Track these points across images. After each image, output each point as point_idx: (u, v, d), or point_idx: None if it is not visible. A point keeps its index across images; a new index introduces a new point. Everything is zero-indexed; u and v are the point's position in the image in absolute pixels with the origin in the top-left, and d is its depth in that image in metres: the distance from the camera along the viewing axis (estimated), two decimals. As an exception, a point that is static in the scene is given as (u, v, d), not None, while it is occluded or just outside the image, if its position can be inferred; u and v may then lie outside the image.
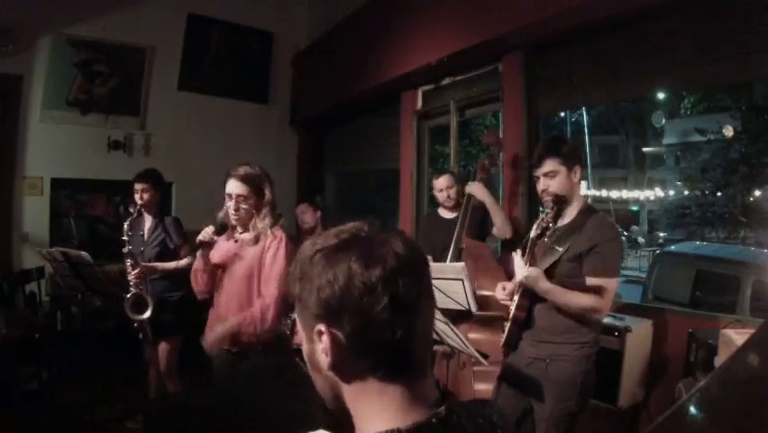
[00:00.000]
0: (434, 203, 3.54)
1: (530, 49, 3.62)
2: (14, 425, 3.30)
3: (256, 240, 2.32)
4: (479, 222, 3.18)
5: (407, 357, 0.68)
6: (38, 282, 4.84)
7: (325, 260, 0.68)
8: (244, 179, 2.30)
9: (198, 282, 2.45)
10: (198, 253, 2.41)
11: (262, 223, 2.31)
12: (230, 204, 2.31)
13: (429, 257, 3.11)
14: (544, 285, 1.96)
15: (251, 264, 2.32)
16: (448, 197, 3.26)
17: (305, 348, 0.74)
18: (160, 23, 5.79)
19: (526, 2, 3.24)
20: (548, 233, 2.09)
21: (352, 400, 0.71)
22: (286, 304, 2.28)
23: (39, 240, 5.21)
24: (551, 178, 2.05)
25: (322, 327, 0.68)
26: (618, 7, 2.95)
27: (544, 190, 2.08)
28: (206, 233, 2.33)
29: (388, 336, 0.66)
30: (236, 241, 2.39)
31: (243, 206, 2.30)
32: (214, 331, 2.28)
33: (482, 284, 2.71)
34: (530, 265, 2.03)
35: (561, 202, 2.04)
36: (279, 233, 2.33)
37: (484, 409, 0.81)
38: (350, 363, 0.69)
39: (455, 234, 3.01)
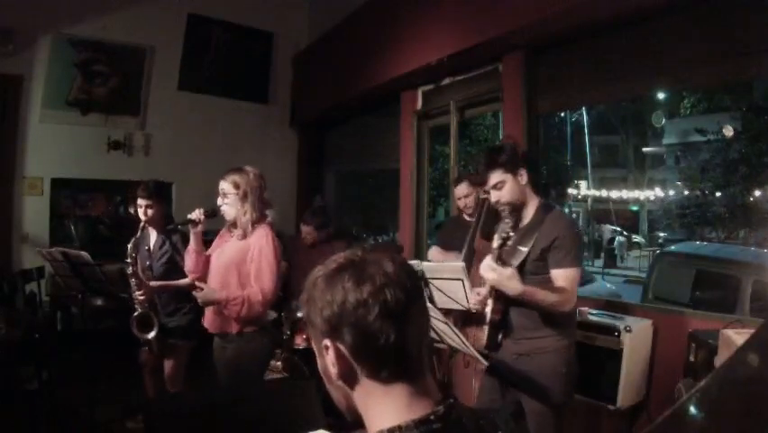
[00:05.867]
0: (436, 203, 3.52)
1: (530, 49, 3.62)
2: (14, 425, 3.30)
3: (243, 236, 2.49)
4: (493, 222, 3.15)
5: (404, 358, 0.77)
6: (38, 282, 4.83)
7: (325, 283, 0.78)
8: (228, 178, 2.49)
9: (188, 261, 2.66)
10: (191, 232, 2.60)
11: (244, 218, 2.48)
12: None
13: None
14: (519, 286, 1.96)
15: (230, 257, 2.49)
16: (465, 205, 3.21)
17: (319, 363, 0.83)
18: (160, 23, 5.79)
19: (526, 2, 3.24)
20: (511, 235, 2.10)
21: (362, 404, 0.79)
22: (276, 299, 2.54)
23: (39, 240, 5.22)
24: (499, 189, 2.12)
25: (327, 342, 0.77)
26: (618, 7, 2.95)
27: (497, 202, 2.14)
28: (196, 212, 2.57)
29: (383, 340, 0.74)
30: (232, 236, 2.55)
31: (226, 201, 2.49)
32: (206, 289, 2.45)
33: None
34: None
35: (516, 210, 2.13)
36: (263, 230, 2.47)
37: (488, 413, 0.85)
38: (354, 371, 0.77)
39: (469, 234, 3.00)
